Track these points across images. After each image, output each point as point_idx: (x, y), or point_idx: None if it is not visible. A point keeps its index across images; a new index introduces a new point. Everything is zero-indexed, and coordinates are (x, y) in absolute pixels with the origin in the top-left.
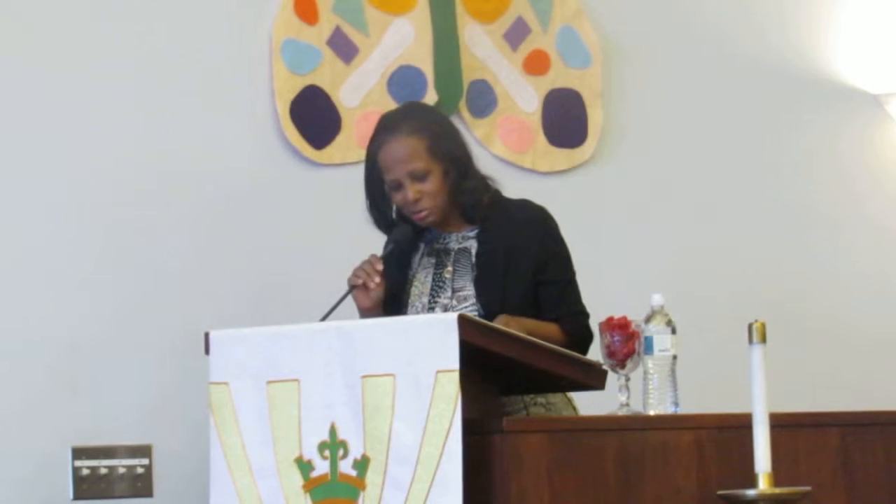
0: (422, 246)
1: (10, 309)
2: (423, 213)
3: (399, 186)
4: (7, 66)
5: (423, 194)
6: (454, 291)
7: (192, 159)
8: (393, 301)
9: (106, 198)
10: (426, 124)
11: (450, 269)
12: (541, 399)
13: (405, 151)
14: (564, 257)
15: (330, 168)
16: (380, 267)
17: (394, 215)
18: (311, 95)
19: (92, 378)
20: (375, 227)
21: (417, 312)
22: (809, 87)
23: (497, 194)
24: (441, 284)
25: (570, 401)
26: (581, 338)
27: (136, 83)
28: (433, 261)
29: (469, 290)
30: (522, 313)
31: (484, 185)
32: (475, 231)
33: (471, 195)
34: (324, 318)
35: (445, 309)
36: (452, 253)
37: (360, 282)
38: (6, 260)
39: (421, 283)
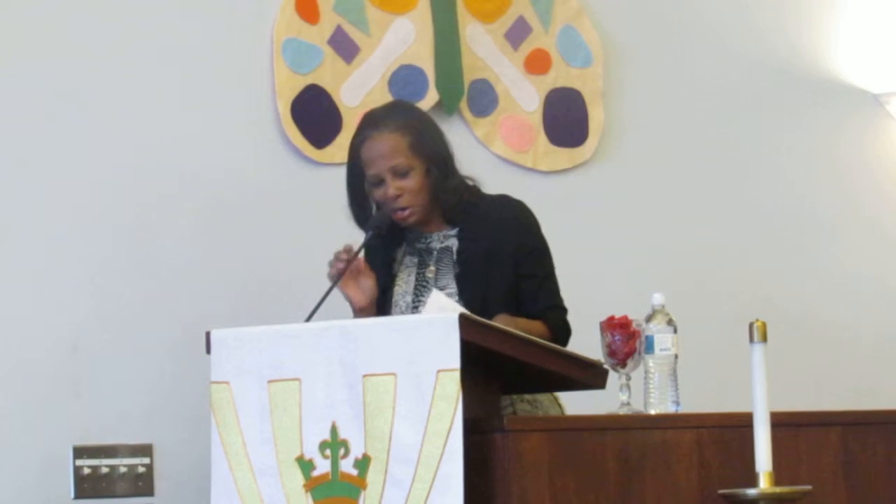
0: (404, 244)
1: (12, 308)
2: (406, 213)
3: (380, 182)
4: (6, 69)
5: (403, 191)
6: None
7: (193, 159)
8: (379, 301)
9: (106, 198)
10: (410, 122)
11: (432, 268)
12: (527, 397)
13: (388, 147)
14: (543, 251)
15: (331, 167)
16: (344, 256)
17: (373, 212)
18: (312, 95)
19: (93, 377)
20: (355, 223)
21: (402, 312)
22: (810, 86)
23: (476, 191)
24: (424, 284)
25: (555, 399)
26: (562, 333)
27: (136, 82)
28: (415, 260)
29: (452, 289)
30: (506, 309)
31: (464, 185)
32: (456, 230)
33: (452, 194)
34: (308, 319)
35: None
36: (434, 252)
37: (341, 266)
38: (7, 260)
39: (404, 283)
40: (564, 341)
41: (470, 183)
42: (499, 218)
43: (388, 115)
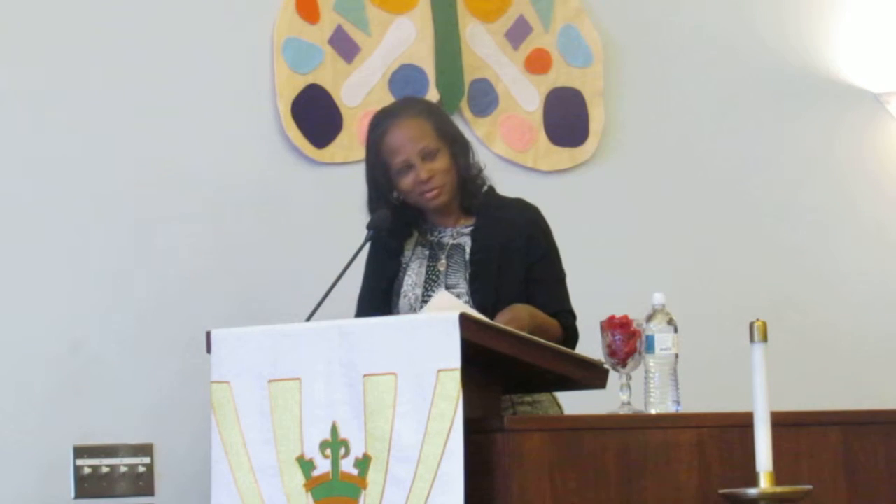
0: (415, 234)
1: (13, 308)
2: (435, 192)
3: (409, 167)
4: (6, 69)
5: (434, 172)
6: (448, 288)
7: (194, 159)
8: (385, 290)
9: (107, 198)
10: (427, 109)
11: (443, 262)
12: (527, 398)
13: (414, 131)
14: (556, 257)
15: (331, 167)
16: None
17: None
18: (313, 94)
19: (94, 377)
20: (376, 223)
21: (411, 303)
22: (810, 85)
23: (492, 190)
24: (435, 278)
25: (554, 399)
26: (574, 337)
27: (136, 83)
28: (426, 252)
29: (462, 288)
30: None
31: (483, 175)
32: (469, 228)
33: (477, 176)
34: (308, 319)
35: None
36: (446, 248)
37: None
38: (8, 260)
39: (415, 274)
40: (573, 345)
41: (485, 175)
42: (513, 220)
43: (404, 105)
